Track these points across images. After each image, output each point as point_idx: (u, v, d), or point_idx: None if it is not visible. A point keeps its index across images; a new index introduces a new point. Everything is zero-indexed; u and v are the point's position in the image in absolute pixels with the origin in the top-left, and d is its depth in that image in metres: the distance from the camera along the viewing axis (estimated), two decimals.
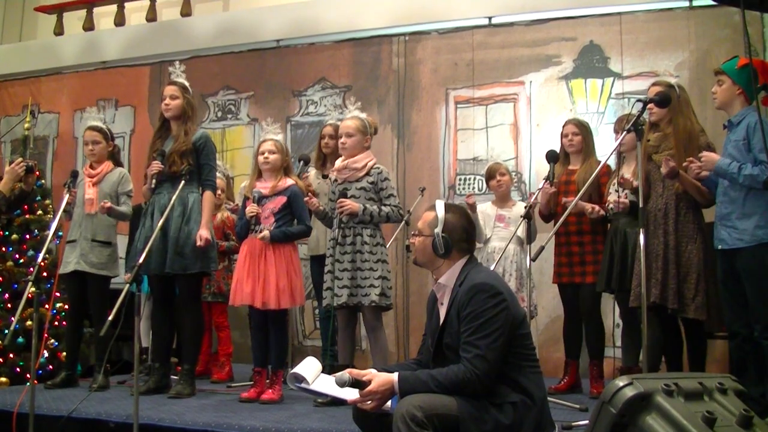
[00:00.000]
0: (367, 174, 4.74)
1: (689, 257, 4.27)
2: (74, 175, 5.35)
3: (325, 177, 5.56)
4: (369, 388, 2.92)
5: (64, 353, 5.71)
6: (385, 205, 4.72)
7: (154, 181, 4.96)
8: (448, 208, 3.23)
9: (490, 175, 5.47)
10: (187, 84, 5.16)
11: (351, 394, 3.01)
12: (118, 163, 5.61)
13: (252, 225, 4.87)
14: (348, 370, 2.98)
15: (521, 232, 4.97)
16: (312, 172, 5.74)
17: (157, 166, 4.94)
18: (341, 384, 2.93)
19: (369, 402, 2.95)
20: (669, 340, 4.50)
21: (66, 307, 5.97)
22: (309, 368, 3.23)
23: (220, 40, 7.94)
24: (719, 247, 4.08)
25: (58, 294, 6.21)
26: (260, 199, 4.85)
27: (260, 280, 4.75)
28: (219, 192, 5.89)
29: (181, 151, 4.94)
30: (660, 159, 4.36)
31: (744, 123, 4.00)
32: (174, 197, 4.55)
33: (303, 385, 3.19)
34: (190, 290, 5.05)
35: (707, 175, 4.11)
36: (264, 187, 4.90)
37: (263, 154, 4.93)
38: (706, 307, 4.25)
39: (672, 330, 4.48)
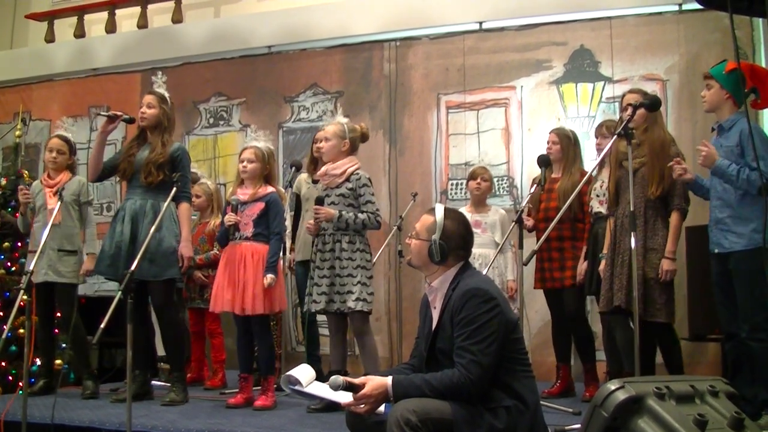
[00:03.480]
0: (347, 180, 4.74)
1: (656, 264, 4.30)
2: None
3: (315, 182, 5.57)
4: (363, 391, 2.92)
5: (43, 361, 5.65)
6: (362, 211, 4.71)
7: None
8: (447, 213, 3.20)
9: (471, 177, 5.53)
10: (166, 95, 5.14)
11: (345, 397, 3.02)
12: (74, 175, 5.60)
13: (231, 232, 4.86)
14: (342, 377, 2.98)
15: (498, 238, 5.13)
16: (303, 175, 5.74)
17: None
18: (335, 387, 2.93)
19: (362, 405, 2.95)
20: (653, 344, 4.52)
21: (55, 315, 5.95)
22: (303, 373, 3.24)
23: (211, 47, 7.95)
24: (715, 251, 4.10)
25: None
26: (238, 206, 4.85)
27: (240, 286, 4.75)
28: (202, 198, 6.00)
29: (158, 163, 4.92)
30: (633, 166, 4.37)
31: (736, 129, 4.01)
32: (165, 205, 4.52)
33: (297, 387, 3.20)
34: (163, 296, 5.00)
35: (692, 178, 4.16)
36: (244, 193, 4.90)
37: (242, 162, 4.93)
38: (670, 311, 4.29)
39: (661, 336, 4.50)
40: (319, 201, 4.67)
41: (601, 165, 4.99)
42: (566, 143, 5.25)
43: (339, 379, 2.92)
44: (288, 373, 3.22)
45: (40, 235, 5.34)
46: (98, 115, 4.94)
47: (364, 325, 4.70)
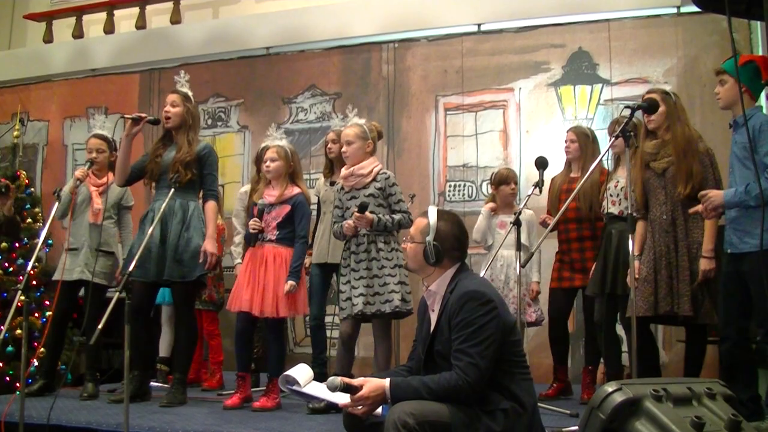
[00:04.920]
0: (374, 180, 4.71)
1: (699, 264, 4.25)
2: (92, 162, 5.36)
3: (332, 184, 5.53)
4: (360, 393, 2.92)
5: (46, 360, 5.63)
6: (395, 211, 4.68)
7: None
8: (441, 215, 3.22)
9: (503, 181, 5.37)
10: (189, 93, 5.13)
11: (342, 398, 3.02)
12: None
13: (254, 238, 4.86)
14: (340, 378, 2.98)
15: (524, 239, 4.98)
16: (321, 179, 5.74)
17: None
18: (332, 388, 2.94)
19: (360, 407, 2.95)
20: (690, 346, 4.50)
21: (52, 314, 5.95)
22: (301, 373, 3.24)
23: (209, 48, 7.95)
24: (728, 250, 4.02)
25: (48, 302, 6.18)
26: (264, 210, 4.84)
27: (259, 287, 4.75)
28: None
29: (185, 162, 4.92)
30: (659, 167, 4.34)
31: (749, 124, 3.95)
32: (164, 206, 4.55)
33: (295, 387, 3.20)
34: (186, 298, 5.02)
35: (721, 212, 4.02)
36: (271, 195, 4.89)
37: (265, 162, 4.93)
38: (713, 312, 4.23)
39: (695, 336, 4.48)
40: (363, 208, 4.53)
41: (616, 163, 4.98)
42: (584, 141, 5.20)
43: (336, 380, 2.93)
44: (286, 372, 3.22)
45: (78, 233, 5.35)
46: (122, 118, 4.90)
47: (388, 329, 4.68)
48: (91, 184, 5.41)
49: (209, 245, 4.88)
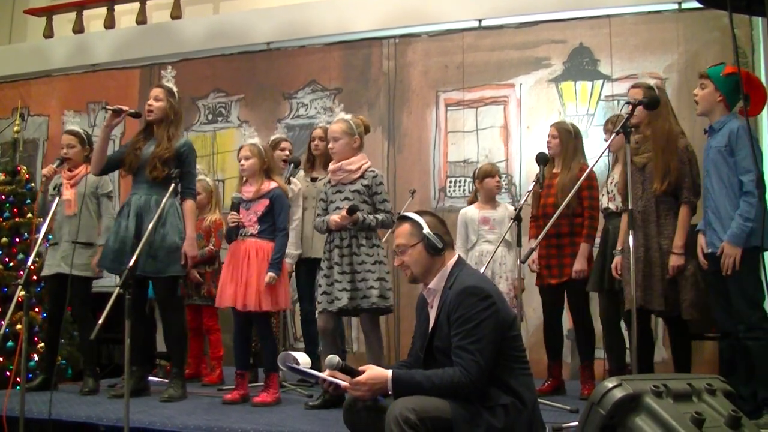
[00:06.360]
0: (362, 176, 4.70)
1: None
2: (63, 159, 5.39)
3: (313, 180, 5.53)
4: (359, 378, 2.94)
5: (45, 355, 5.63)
6: (378, 210, 4.68)
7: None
8: (419, 212, 3.29)
9: (488, 174, 5.37)
10: (174, 89, 5.12)
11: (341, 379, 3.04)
12: None
13: (235, 232, 4.88)
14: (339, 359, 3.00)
15: (509, 234, 5.01)
16: (300, 174, 5.73)
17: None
18: (330, 366, 2.96)
19: (357, 392, 2.97)
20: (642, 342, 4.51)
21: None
22: (301, 355, 3.25)
23: (210, 43, 7.95)
24: (709, 250, 4.08)
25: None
26: (241, 204, 4.88)
27: (242, 282, 4.76)
28: (201, 195, 5.88)
29: (164, 158, 4.92)
30: (639, 161, 4.36)
31: (726, 129, 3.99)
32: (163, 201, 4.54)
33: (294, 365, 3.20)
34: (167, 293, 5.03)
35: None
36: (248, 191, 4.91)
37: (240, 161, 4.95)
38: (697, 308, 4.26)
39: (646, 332, 4.51)
40: (352, 211, 4.53)
41: (614, 161, 4.98)
42: (566, 137, 5.20)
43: (335, 358, 2.96)
44: (287, 352, 3.24)
45: (57, 227, 5.37)
46: (103, 109, 4.92)
47: (375, 324, 4.68)
48: (64, 177, 5.43)
49: (189, 248, 4.92)
